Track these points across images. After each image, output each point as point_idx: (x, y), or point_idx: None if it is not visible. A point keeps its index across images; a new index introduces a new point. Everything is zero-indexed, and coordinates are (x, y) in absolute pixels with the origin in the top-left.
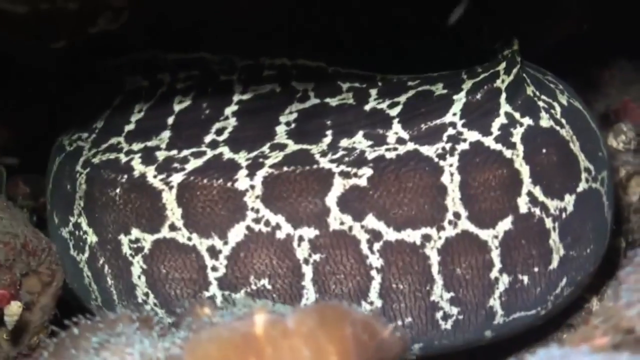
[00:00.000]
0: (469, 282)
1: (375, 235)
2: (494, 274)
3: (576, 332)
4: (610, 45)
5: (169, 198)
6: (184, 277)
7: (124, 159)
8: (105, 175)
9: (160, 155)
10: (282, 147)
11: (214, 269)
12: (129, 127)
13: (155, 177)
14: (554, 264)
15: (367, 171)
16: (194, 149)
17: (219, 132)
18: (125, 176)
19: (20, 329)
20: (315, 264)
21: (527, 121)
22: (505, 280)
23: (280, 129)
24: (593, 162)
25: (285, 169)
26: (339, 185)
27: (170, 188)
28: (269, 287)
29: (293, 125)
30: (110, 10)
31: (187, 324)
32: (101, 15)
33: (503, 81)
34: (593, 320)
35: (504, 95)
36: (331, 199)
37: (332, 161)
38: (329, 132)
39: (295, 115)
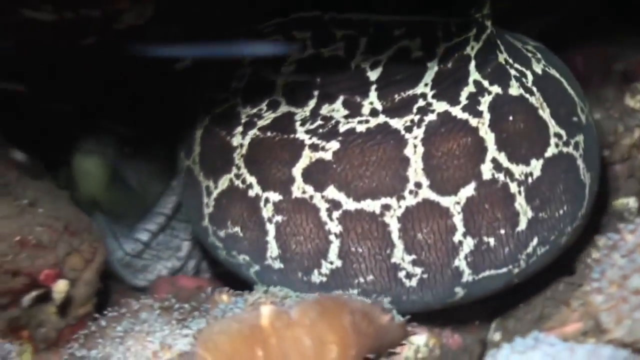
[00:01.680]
0: (431, 245)
1: (334, 205)
2: (458, 237)
3: (555, 316)
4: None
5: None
6: None
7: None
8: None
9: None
10: (275, 106)
11: (207, 205)
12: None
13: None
14: (522, 225)
15: (334, 145)
16: None
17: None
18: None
19: (67, 303)
20: (277, 224)
21: (496, 89)
22: (469, 242)
23: (280, 82)
24: (565, 127)
25: (268, 134)
26: (305, 158)
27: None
28: (240, 234)
29: (289, 79)
30: (133, 12)
31: (205, 309)
32: (124, 15)
33: (472, 48)
34: (573, 303)
35: (473, 63)
36: (297, 170)
37: (307, 132)
38: (315, 94)
39: (293, 67)
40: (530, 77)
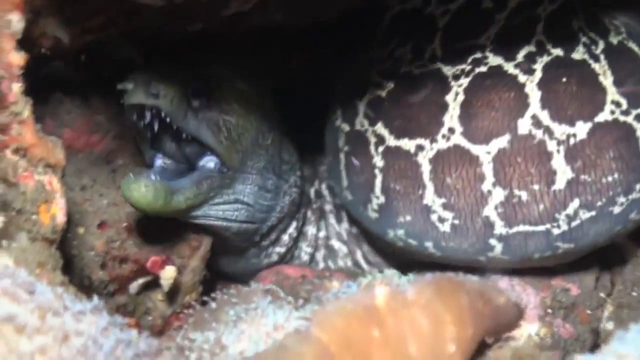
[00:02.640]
0: (459, 190)
1: (380, 140)
2: (487, 186)
3: None
4: None
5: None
6: None
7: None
8: None
9: None
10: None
11: None
12: None
13: None
14: (560, 184)
15: (390, 85)
16: None
17: None
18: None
19: (174, 290)
20: (345, 154)
21: (558, 52)
22: (499, 193)
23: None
24: (629, 97)
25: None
26: (369, 94)
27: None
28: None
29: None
30: None
31: (316, 296)
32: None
33: (545, 9)
34: None
35: (542, 24)
36: (362, 104)
37: (378, 72)
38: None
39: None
40: (601, 45)
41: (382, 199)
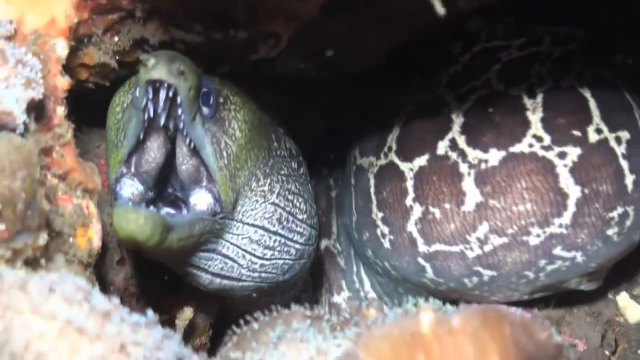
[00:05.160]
0: (391, 204)
1: (354, 159)
2: (409, 201)
3: None
4: None
5: None
6: None
7: None
8: None
9: None
10: None
11: None
12: None
13: None
14: (469, 206)
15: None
16: None
17: None
18: None
19: (188, 331)
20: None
21: (499, 87)
22: (418, 208)
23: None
24: (554, 135)
25: None
26: None
27: None
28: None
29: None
30: (273, 38)
31: (355, 322)
32: (262, 43)
33: (509, 55)
34: None
35: (498, 66)
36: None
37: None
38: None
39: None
40: (547, 85)
41: (356, 217)
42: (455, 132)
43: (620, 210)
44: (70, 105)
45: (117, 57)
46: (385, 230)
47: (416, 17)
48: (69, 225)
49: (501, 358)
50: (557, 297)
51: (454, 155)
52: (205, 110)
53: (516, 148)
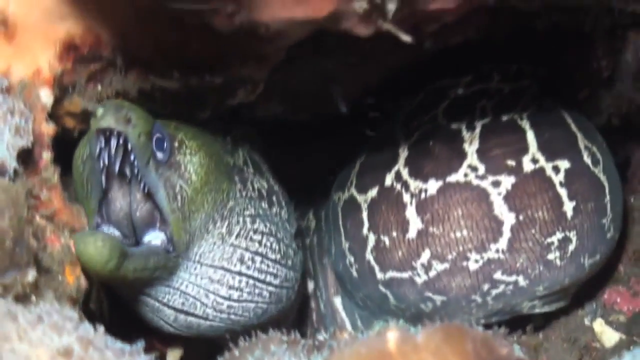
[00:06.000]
0: (353, 235)
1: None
2: (365, 231)
3: None
4: None
5: None
6: None
7: None
8: None
9: None
10: None
11: None
12: None
13: None
14: (412, 233)
15: None
16: None
17: None
18: None
19: None
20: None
21: (442, 122)
22: (372, 237)
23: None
24: (487, 164)
25: None
26: None
27: None
28: None
29: None
30: (249, 82)
31: (329, 345)
32: (240, 89)
33: (457, 93)
34: None
35: (445, 103)
36: None
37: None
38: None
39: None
40: (486, 119)
41: (334, 249)
42: (400, 164)
43: (559, 235)
44: (56, 151)
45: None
46: (352, 259)
47: (388, 57)
48: (58, 263)
49: None
50: (534, 324)
51: (398, 186)
52: (159, 155)
53: (452, 177)
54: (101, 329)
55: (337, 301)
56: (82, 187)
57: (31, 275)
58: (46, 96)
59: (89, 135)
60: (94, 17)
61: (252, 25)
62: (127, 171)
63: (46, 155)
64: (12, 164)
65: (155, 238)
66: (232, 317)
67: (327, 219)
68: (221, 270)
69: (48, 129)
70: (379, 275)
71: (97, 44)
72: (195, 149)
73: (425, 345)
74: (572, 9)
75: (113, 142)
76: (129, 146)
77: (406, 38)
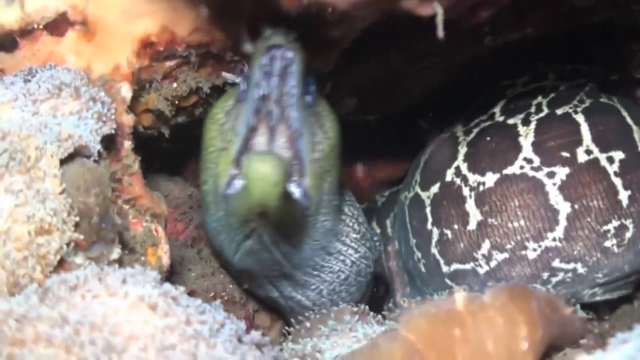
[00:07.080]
0: (419, 231)
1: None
2: (429, 226)
3: None
4: None
5: None
6: None
7: None
8: None
9: None
10: None
11: None
12: None
13: None
14: (472, 225)
15: None
16: None
17: None
18: None
19: None
20: None
21: (500, 119)
22: (435, 232)
23: None
24: (543, 156)
25: None
26: None
27: None
28: None
29: None
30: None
31: (397, 314)
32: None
33: (514, 90)
34: None
35: (504, 101)
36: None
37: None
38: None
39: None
40: (543, 113)
41: (403, 247)
42: (459, 160)
43: (615, 223)
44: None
45: (176, 102)
46: (419, 255)
47: (448, 55)
48: (140, 245)
49: (529, 328)
50: (599, 314)
51: (458, 181)
52: (307, 98)
53: (509, 170)
54: (181, 288)
55: None
56: (220, 140)
57: (116, 252)
58: (125, 90)
59: (231, 94)
60: (169, 15)
61: (319, 6)
62: (277, 110)
63: (127, 144)
64: (96, 146)
65: (294, 190)
66: (322, 275)
67: (394, 222)
68: (331, 237)
69: (128, 119)
70: (444, 269)
71: (172, 41)
72: (328, 109)
73: (492, 304)
74: (627, 5)
75: (277, 64)
76: (291, 71)
77: (440, 33)
